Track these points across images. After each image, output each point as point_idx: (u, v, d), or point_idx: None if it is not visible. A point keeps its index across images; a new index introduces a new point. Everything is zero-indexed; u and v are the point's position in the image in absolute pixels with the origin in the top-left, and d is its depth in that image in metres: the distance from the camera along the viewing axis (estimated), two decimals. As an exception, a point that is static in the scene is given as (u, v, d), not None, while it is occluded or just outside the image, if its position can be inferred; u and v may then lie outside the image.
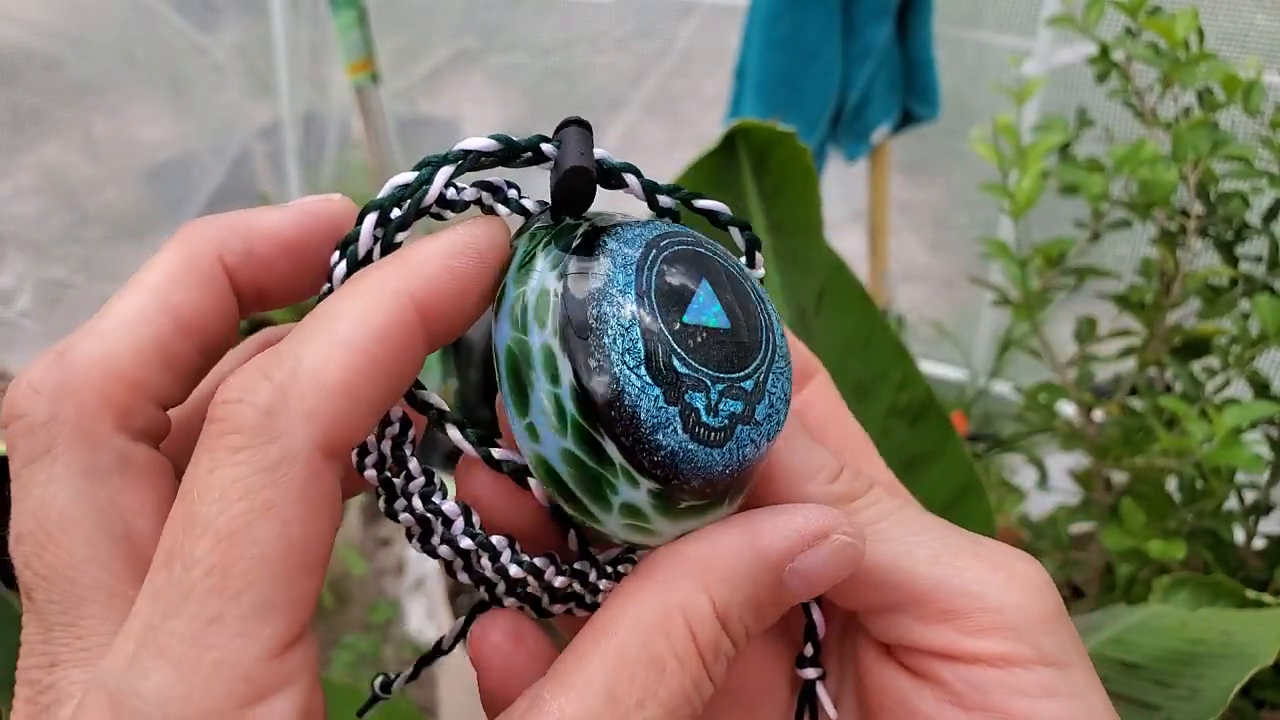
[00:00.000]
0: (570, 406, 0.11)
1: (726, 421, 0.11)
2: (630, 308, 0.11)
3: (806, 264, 0.34)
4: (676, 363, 0.11)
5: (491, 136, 0.13)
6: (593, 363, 0.10)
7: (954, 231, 1.08)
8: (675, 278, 0.12)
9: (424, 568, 0.84)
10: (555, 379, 0.11)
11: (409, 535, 0.12)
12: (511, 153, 0.12)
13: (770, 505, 0.13)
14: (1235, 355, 0.38)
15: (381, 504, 0.12)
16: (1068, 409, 0.47)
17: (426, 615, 0.82)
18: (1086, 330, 0.46)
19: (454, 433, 0.12)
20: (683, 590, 0.11)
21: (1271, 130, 0.38)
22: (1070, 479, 0.47)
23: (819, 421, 0.16)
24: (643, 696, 0.10)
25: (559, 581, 0.12)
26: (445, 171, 0.12)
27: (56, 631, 0.10)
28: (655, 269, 0.11)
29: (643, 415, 0.11)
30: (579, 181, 0.12)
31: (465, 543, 0.12)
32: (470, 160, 0.12)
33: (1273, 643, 0.25)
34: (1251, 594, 0.28)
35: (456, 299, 0.11)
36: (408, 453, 0.12)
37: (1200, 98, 0.40)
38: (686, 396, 0.11)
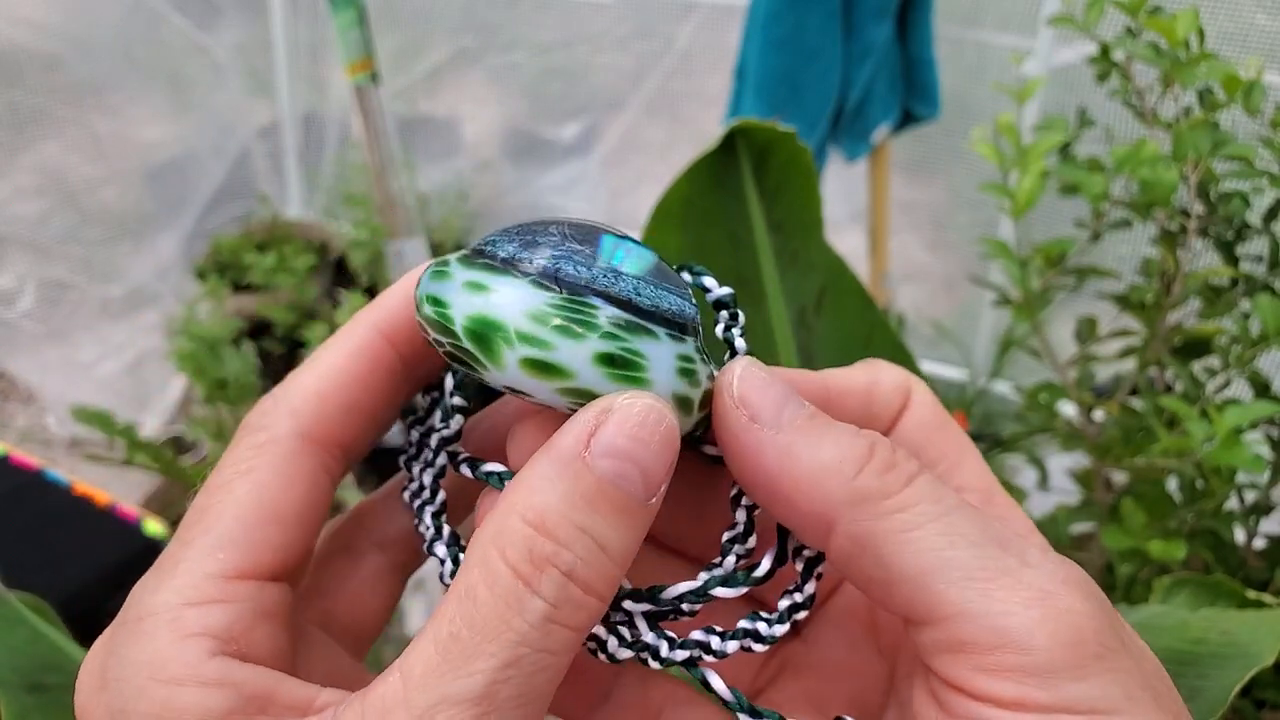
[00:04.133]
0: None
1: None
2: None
3: (807, 264, 0.34)
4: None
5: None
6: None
7: (954, 231, 1.08)
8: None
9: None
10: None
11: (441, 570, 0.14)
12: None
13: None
14: (1236, 355, 0.38)
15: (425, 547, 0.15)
16: (1068, 409, 0.47)
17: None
18: (1087, 330, 0.46)
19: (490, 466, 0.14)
20: (494, 521, 0.11)
21: (1272, 130, 0.38)
22: (1070, 479, 0.47)
23: (914, 437, 0.15)
24: (455, 629, 0.10)
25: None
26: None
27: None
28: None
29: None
30: None
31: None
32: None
33: (1273, 643, 0.25)
34: (1252, 594, 0.28)
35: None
36: (431, 517, 0.15)
37: (1201, 98, 0.40)
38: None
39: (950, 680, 0.12)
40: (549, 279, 0.12)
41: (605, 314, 0.12)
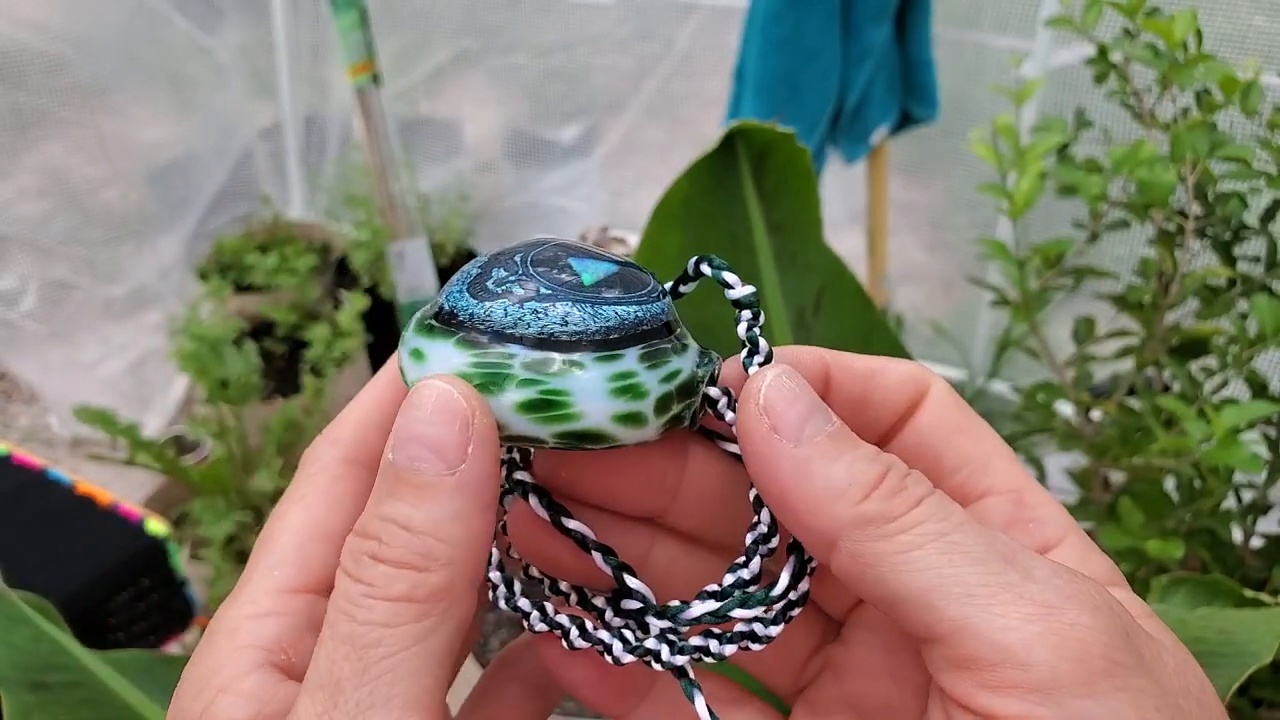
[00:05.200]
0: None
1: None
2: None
3: (806, 264, 0.34)
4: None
5: None
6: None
7: (952, 232, 1.08)
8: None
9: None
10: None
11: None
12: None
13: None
14: (1233, 355, 0.38)
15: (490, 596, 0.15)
16: (1066, 409, 0.47)
17: None
18: (1085, 330, 0.46)
19: (533, 501, 0.15)
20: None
21: (1269, 131, 0.38)
22: (1068, 479, 0.47)
23: (931, 439, 0.15)
24: (322, 637, 0.12)
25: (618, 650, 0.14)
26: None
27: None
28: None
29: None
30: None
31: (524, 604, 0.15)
32: None
33: (1271, 641, 0.25)
34: (1249, 593, 0.28)
35: None
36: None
37: (1198, 99, 0.40)
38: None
39: (956, 697, 0.12)
40: (477, 332, 0.13)
41: (521, 360, 0.13)
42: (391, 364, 0.15)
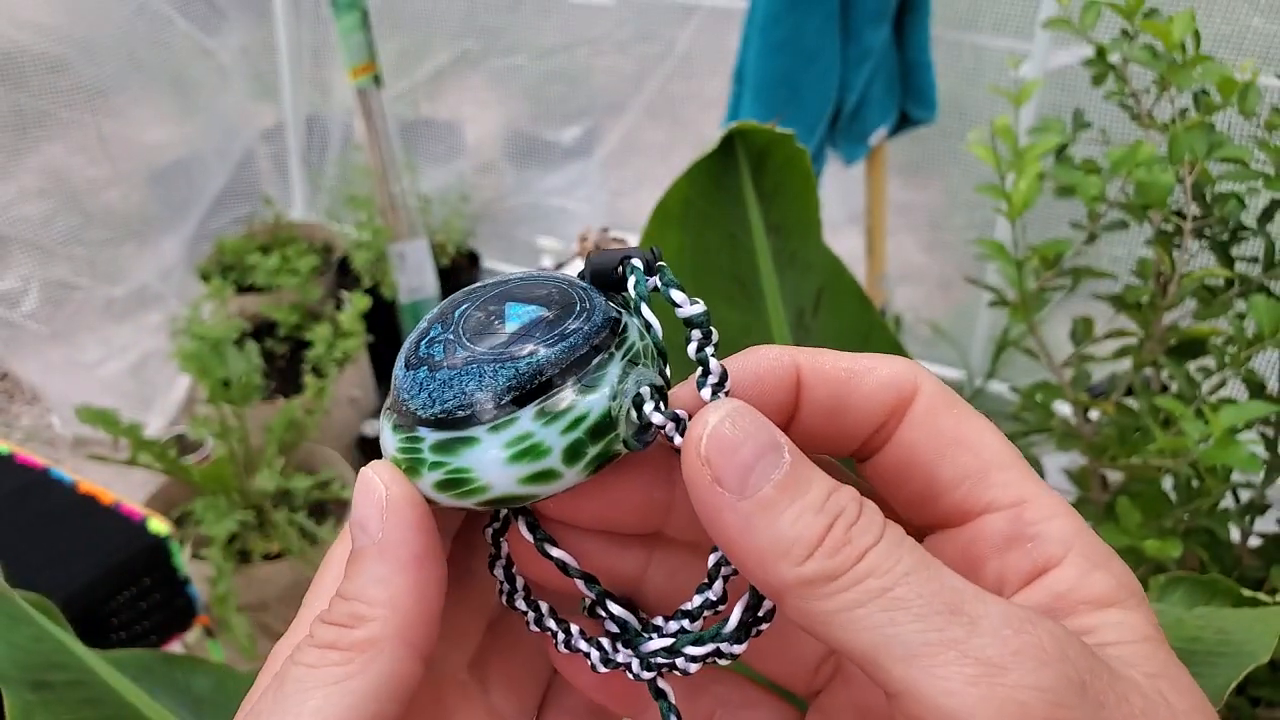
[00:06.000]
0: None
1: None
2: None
3: (805, 265, 0.34)
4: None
5: None
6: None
7: (951, 233, 1.08)
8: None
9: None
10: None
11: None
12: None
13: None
14: (1231, 355, 0.38)
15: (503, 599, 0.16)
16: (1064, 409, 0.47)
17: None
18: (1083, 331, 0.47)
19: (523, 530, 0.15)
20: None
21: (1267, 132, 0.38)
22: (1066, 478, 0.47)
23: (921, 451, 0.14)
24: None
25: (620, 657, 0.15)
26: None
27: None
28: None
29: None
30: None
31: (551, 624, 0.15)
32: None
33: (1268, 640, 0.25)
34: (1247, 592, 0.28)
35: None
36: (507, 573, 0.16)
37: (1196, 100, 0.41)
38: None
39: None
40: (400, 414, 0.14)
41: (428, 443, 0.13)
42: None
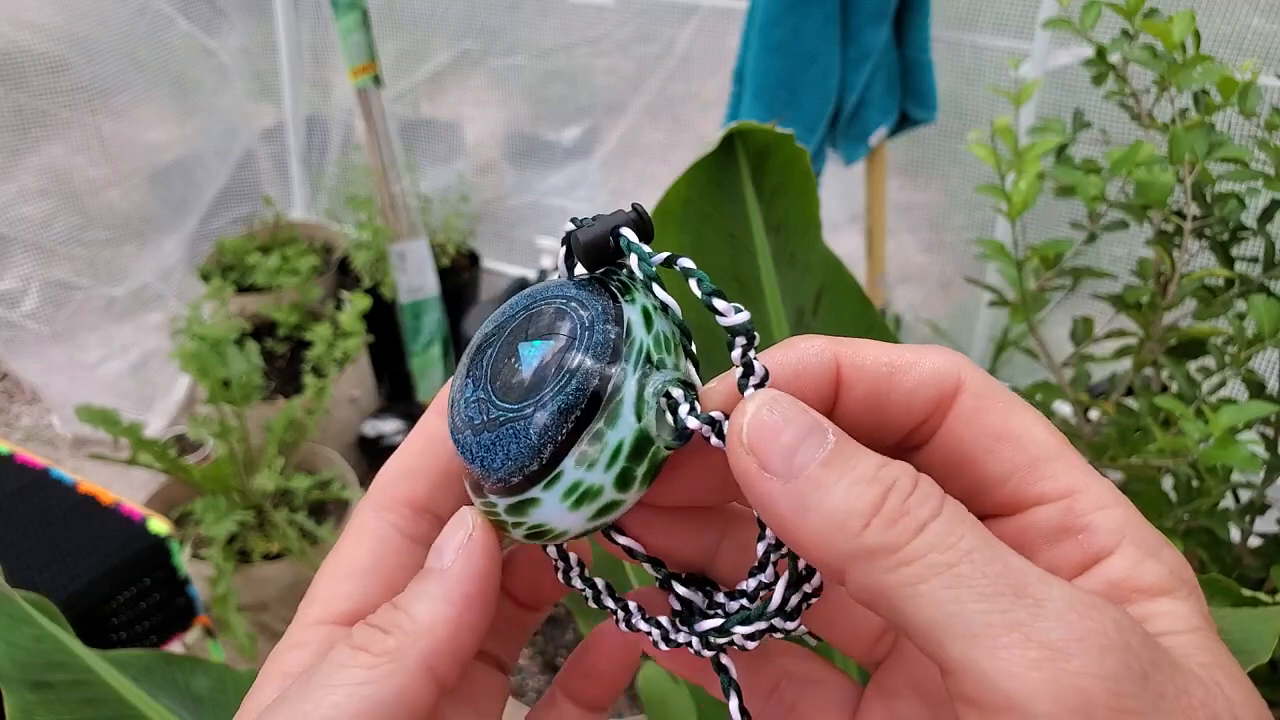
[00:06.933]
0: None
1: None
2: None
3: (805, 265, 0.34)
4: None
5: None
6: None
7: (951, 233, 1.08)
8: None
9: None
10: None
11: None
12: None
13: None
14: (1231, 355, 0.38)
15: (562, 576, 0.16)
16: (1064, 409, 0.47)
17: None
18: (1083, 331, 0.47)
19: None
20: None
21: (1267, 132, 0.38)
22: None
23: (971, 446, 0.14)
24: None
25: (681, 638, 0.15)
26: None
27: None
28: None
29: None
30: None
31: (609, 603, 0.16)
32: None
33: (1268, 640, 0.25)
34: (1247, 592, 0.28)
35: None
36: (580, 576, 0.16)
37: (1196, 100, 0.41)
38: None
39: None
40: (468, 479, 0.15)
41: (501, 507, 0.14)
42: (423, 425, 0.16)
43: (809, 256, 0.34)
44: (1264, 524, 0.41)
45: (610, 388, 0.13)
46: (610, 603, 0.15)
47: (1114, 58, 0.43)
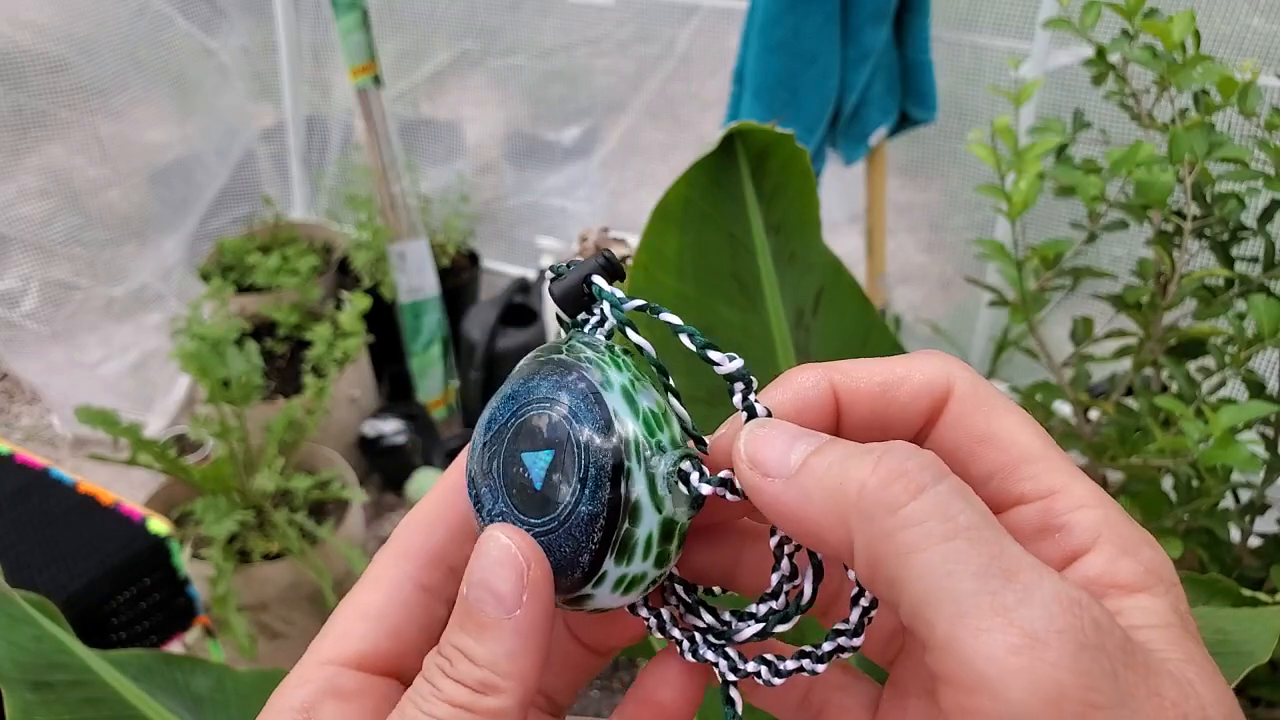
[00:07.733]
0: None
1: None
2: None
3: (805, 265, 0.34)
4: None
5: None
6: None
7: (951, 233, 1.08)
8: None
9: None
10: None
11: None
12: None
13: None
14: (1231, 355, 0.38)
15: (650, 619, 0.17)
16: (1064, 408, 0.47)
17: None
18: (1083, 330, 0.47)
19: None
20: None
21: (1267, 132, 0.38)
22: (1068, 478, 0.47)
23: (957, 449, 0.14)
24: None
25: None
26: None
27: None
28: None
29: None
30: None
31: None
32: None
33: (1268, 640, 0.25)
34: (1247, 592, 0.28)
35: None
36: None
37: (1196, 100, 0.41)
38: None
39: (941, 704, 0.12)
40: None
41: (560, 600, 0.15)
42: (445, 476, 0.17)
43: (809, 256, 0.34)
44: (1264, 524, 0.41)
45: (623, 495, 0.14)
46: (644, 611, 0.16)
47: (1114, 58, 0.43)
